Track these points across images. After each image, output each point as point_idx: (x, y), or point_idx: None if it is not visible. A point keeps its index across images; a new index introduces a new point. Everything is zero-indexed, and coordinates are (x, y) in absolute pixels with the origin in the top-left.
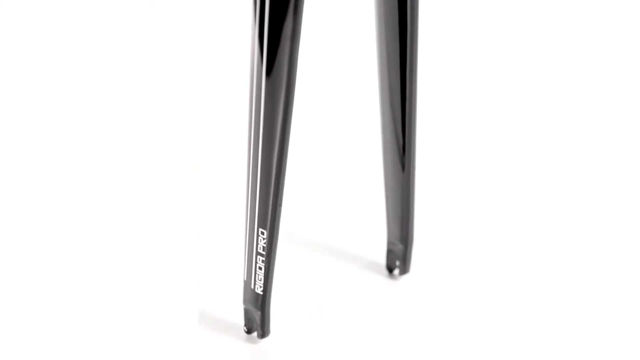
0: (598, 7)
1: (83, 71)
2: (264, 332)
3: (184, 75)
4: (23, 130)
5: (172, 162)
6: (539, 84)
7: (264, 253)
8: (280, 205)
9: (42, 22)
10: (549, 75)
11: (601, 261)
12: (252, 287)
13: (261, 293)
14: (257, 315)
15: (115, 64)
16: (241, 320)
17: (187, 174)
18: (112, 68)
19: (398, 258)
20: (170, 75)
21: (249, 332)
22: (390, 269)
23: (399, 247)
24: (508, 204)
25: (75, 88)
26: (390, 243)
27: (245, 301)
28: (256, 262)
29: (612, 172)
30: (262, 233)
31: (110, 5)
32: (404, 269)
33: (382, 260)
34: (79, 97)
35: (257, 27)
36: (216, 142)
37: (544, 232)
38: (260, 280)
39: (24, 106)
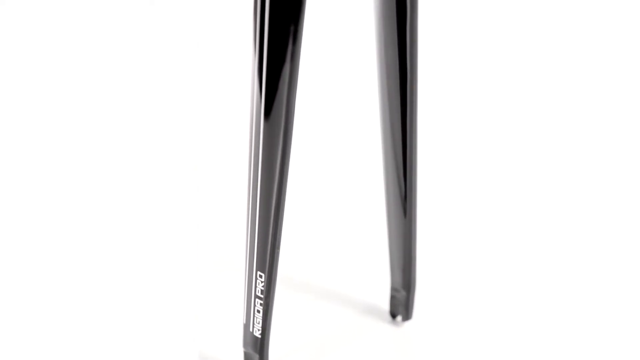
0: (598, 7)
1: (83, 71)
2: None
3: (184, 75)
4: (23, 131)
5: (171, 162)
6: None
7: (262, 296)
8: (278, 248)
9: (42, 22)
10: (549, 92)
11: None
12: (251, 330)
13: (259, 336)
14: (256, 359)
15: (115, 64)
16: None
17: (186, 174)
18: (112, 68)
19: (401, 304)
20: (170, 76)
21: None
22: (393, 315)
23: (402, 293)
24: (509, 252)
25: (76, 88)
26: (393, 289)
27: (244, 344)
28: (254, 305)
29: (612, 172)
30: (260, 276)
31: (110, 5)
32: (407, 316)
33: (385, 305)
34: (79, 98)
35: (256, 74)
36: (216, 142)
37: (545, 281)
38: (259, 324)
39: (24, 106)
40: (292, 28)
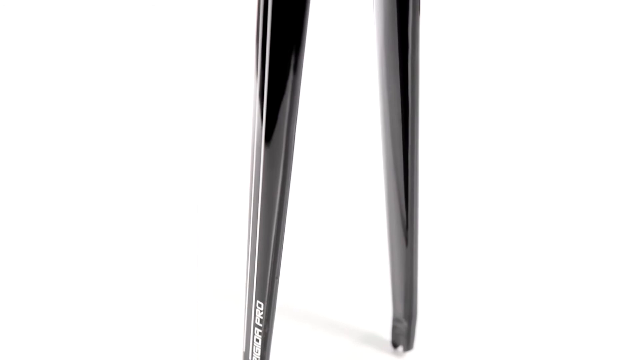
0: (598, 7)
1: (83, 72)
2: None
3: (184, 76)
4: (23, 131)
5: (172, 163)
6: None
7: (261, 325)
8: (278, 277)
9: (42, 22)
10: (548, 95)
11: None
12: (250, 358)
13: None
14: None
15: (115, 65)
16: None
17: (187, 175)
18: (112, 69)
19: (402, 334)
20: (170, 76)
21: None
22: (395, 345)
23: (404, 324)
24: (511, 284)
25: (76, 89)
26: (395, 319)
27: None
28: (254, 334)
29: (612, 172)
30: (260, 305)
31: (110, 6)
32: (408, 346)
33: (387, 334)
34: (79, 98)
35: (257, 101)
36: (216, 143)
37: (548, 316)
38: (258, 352)
39: (24, 106)
40: (292, 59)
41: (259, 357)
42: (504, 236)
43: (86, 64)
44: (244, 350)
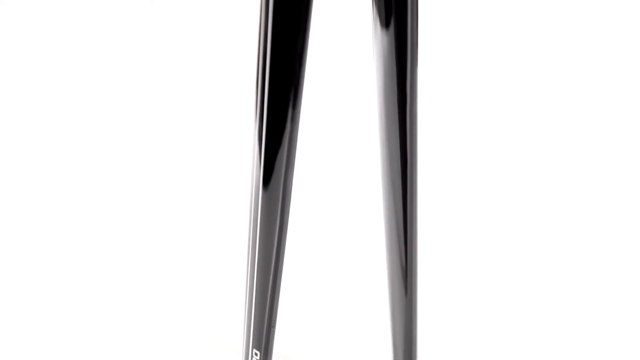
0: (598, 7)
1: (83, 72)
2: None
3: (184, 76)
4: (23, 132)
5: (173, 165)
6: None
7: None
8: (274, 326)
9: (42, 22)
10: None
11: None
12: None
13: None
14: None
15: (115, 65)
16: None
17: (188, 177)
18: (112, 69)
19: None
20: (170, 76)
21: None
22: None
23: None
24: (510, 332)
25: (76, 89)
26: None
27: None
28: None
29: (611, 172)
30: (256, 354)
31: (110, 6)
32: None
33: None
34: (79, 99)
35: (256, 150)
36: (217, 143)
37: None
38: None
39: (24, 107)
40: (290, 110)
41: None
42: (503, 286)
43: (86, 64)
44: None
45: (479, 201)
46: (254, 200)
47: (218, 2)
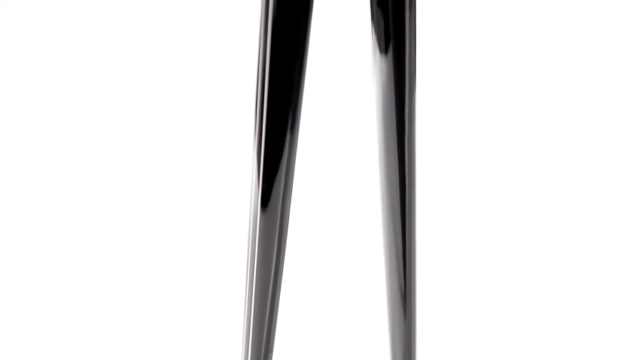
0: (597, 7)
1: (83, 72)
2: None
3: (184, 76)
4: (22, 132)
5: (172, 165)
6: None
7: None
8: (271, 352)
9: (42, 22)
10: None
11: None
12: None
13: None
14: None
15: (115, 65)
16: None
17: (188, 177)
18: (112, 69)
19: None
20: (170, 77)
21: None
22: None
23: None
24: (508, 346)
25: (75, 89)
26: None
27: None
28: None
29: (610, 173)
30: None
31: (110, 5)
32: None
33: None
34: (79, 99)
35: (254, 178)
36: (217, 143)
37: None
38: None
39: (23, 107)
40: (287, 140)
41: None
42: (502, 304)
43: (86, 64)
44: None
45: (478, 228)
46: (252, 221)
47: (218, 2)
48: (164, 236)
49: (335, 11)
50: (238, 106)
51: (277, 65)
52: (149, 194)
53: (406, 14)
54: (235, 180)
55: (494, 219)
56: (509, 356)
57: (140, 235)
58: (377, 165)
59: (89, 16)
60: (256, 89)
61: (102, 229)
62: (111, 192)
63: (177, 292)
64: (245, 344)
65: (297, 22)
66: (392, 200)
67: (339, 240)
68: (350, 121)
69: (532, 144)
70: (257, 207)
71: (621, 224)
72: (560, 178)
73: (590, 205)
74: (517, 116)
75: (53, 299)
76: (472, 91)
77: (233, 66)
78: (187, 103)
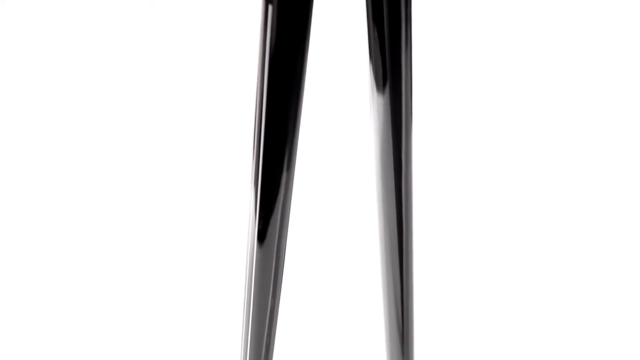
0: (597, 7)
1: (83, 72)
2: None
3: (184, 77)
4: (21, 132)
5: (172, 165)
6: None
7: None
8: None
9: (42, 22)
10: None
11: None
12: None
13: None
14: None
15: (115, 65)
16: None
17: (187, 177)
18: (112, 69)
19: None
20: (170, 77)
21: None
22: None
23: None
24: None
25: (75, 89)
26: None
27: None
28: None
29: (609, 174)
30: None
31: (110, 5)
32: None
33: None
34: (79, 99)
35: (252, 213)
36: (217, 144)
37: None
38: None
39: (23, 106)
40: (283, 179)
41: None
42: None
43: (85, 64)
44: None
45: (475, 260)
46: (249, 255)
47: (219, 2)
48: (164, 236)
49: (334, 51)
50: (238, 106)
51: (273, 110)
52: (149, 194)
53: (402, 55)
54: (235, 180)
55: (491, 243)
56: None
57: (140, 236)
58: (375, 202)
59: (89, 16)
60: (253, 132)
61: (100, 230)
62: (111, 193)
63: (177, 293)
64: None
65: (293, 68)
66: (389, 239)
67: (335, 264)
68: (347, 158)
69: (526, 162)
70: (253, 243)
71: (619, 224)
72: (556, 184)
73: (587, 206)
74: (510, 135)
75: (52, 299)
76: (467, 109)
77: (233, 66)
78: (187, 103)
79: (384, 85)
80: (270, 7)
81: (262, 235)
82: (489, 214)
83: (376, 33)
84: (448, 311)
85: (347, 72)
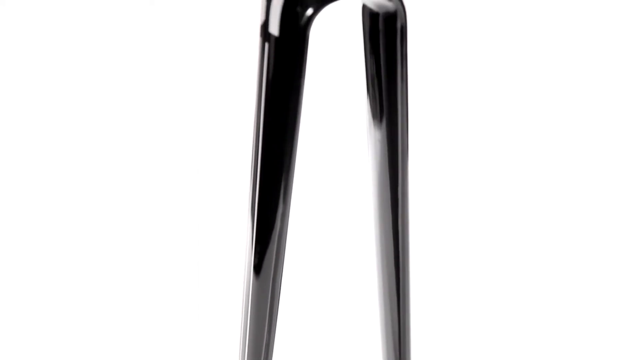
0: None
1: (83, 72)
2: None
3: (184, 77)
4: (22, 132)
5: (172, 165)
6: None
7: None
8: None
9: (42, 22)
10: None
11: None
12: None
13: None
14: None
15: (115, 65)
16: None
17: (188, 177)
18: (112, 69)
19: None
20: (170, 77)
21: None
22: None
23: None
24: None
25: (75, 89)
26: None
27: None
28: None
29: (608, 175)
30: None
31: (110, 5)
32: None
33: None
34: (78, 99)
35: (247, 252)
36: (217, 144)
37: None
38: None
39: (22, 107)
40: (279, 213)
41: None
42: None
43: (85, 64)
44: None
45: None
46: (245, 287)
47: (219, 3)
48: (164, 237)
49: (334, 84)
50: (238, 107)
51: (269, 146)
52: (149, 194)
53: (398, 92)
54: (235, 181)
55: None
56: None
57: (140, 236)
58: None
59: (89, 16)
60: (251, 166)
61: (99, 230)
62: (111, 193)
63: (177, 293)
64: None
65: (288, 104)
66: (389, 280)
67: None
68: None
69: (521, 176)
70: (250, 275)
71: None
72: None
73: (584, 207)
74: (504, 155)
75: (51, 299)
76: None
77: (233, 66)
78: (187, 103)
79: (381, 120)
80: (267, 45)
81: (258, 268)
82: (484, 218)
83: (374, 69)
84: (444, 314)
85: (345, 105)
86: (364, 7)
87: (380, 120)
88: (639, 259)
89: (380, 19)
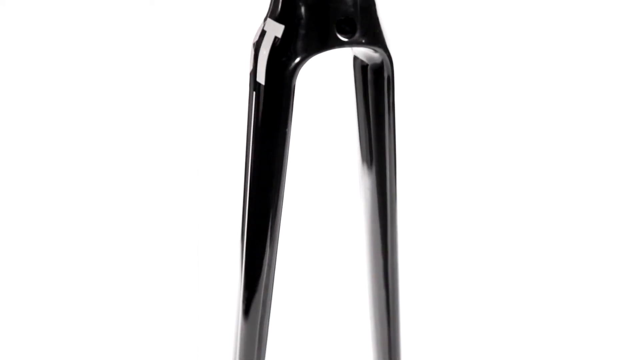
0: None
1: (82, 72)
2: None
3: (184, 77)
4: (21, 132)
5: (172, 166)
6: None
7: None
8: None
9: (42, 22)
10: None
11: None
12: None
13: None
14: None
15: (115, 65)
16: None
17: (187, 178)
18: (111, 69)
19: None
20: (170, 77)
21: None
22: None
23: None
24: None
25: (74, 89)
26: None
27: None
28: None
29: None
30: None
31: (110, 5)
32: None
33: None
34: (78, 99)
35: (237, 292)
36: (217, 144)
37: None
38: None
39: (22, 107)
40: (267, 254)
41: None
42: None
43: (85, 64)
44: None
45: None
46: (235, 326)
47: (219, 3)
48: (164, 237)
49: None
50: (238, 107)
51: (255, 203)
52: (149, 194)
53: (386, 141)
54: (235, 181)
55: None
56: None
57: (140, 236)
58: (364, 283)
59: (89, 16)
60: (241, 215)
61: (99, 231)
62: (110, 193)
63: (176, 294)
64: None
65: (275, 151)
66: (382, 323)
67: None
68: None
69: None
70: (238, 317)
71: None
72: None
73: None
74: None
75: (51, 298)
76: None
77: (234, 67)
78: (187, 104)
79: (370, 168)
80: (254, 93)
81: (246, 312)
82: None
83: (363, 118)
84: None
85: (338, 152)
86: (355, 58)
87: (370, 168)
88: (638, 259)
89: (369, 69)
